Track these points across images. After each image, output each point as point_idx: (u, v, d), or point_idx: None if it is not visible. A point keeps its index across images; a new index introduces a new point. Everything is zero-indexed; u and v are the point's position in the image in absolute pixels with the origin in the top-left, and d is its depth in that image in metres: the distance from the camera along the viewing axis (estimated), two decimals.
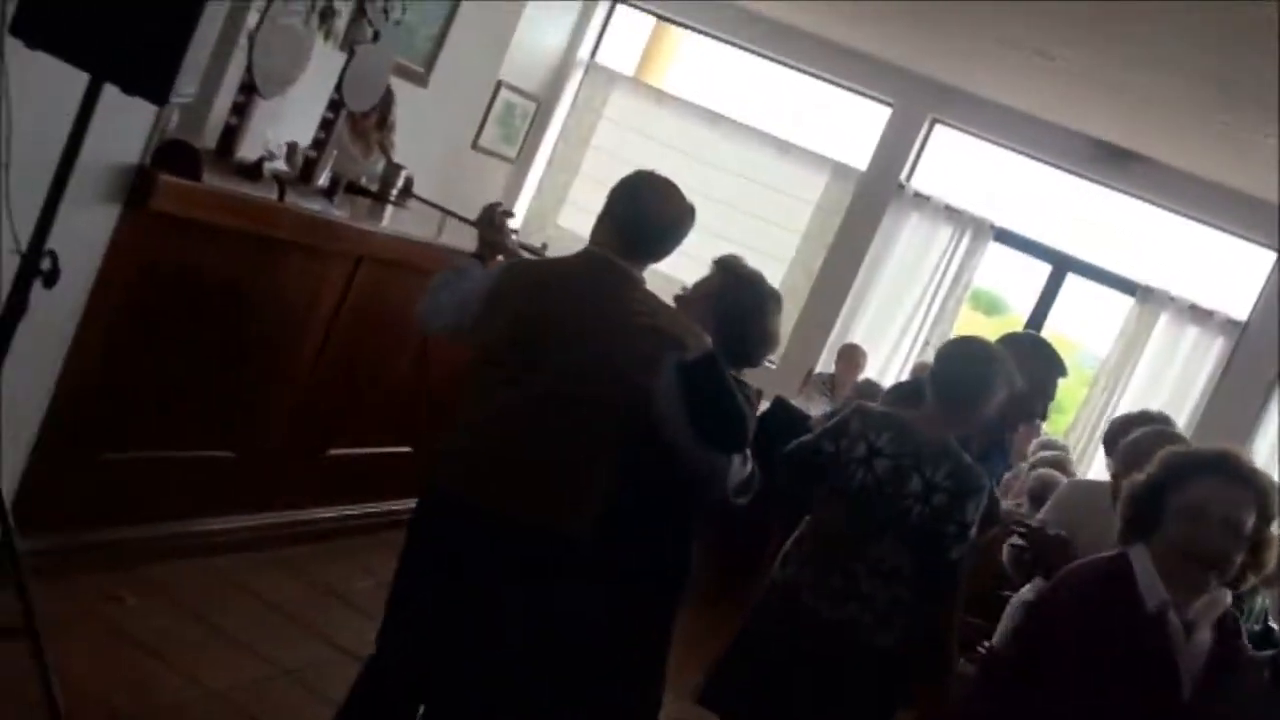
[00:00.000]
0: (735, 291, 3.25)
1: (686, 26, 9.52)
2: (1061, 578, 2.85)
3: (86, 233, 3.36)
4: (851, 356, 7.84)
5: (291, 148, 4.32)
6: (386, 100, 5.05)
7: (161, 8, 2.67)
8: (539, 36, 8.82)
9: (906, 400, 3.62)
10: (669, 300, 3.26)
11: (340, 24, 3.97)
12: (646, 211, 3.09)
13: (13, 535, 2.93)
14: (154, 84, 2.72)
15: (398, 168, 5.33)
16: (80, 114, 2.85)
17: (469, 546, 3.04)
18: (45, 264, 2.89)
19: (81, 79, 2.82)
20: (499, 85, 8.54)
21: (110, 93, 2.81)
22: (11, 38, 2.77)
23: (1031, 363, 3.61)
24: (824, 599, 3.31)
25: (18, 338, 2.89)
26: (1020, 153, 8.50)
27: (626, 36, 9.68)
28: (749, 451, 3.22)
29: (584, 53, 9.41)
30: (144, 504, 4.03)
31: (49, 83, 2.92)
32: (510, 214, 3.45)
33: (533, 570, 3.04)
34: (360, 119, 4.96)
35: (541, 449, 3.04)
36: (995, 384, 3.32)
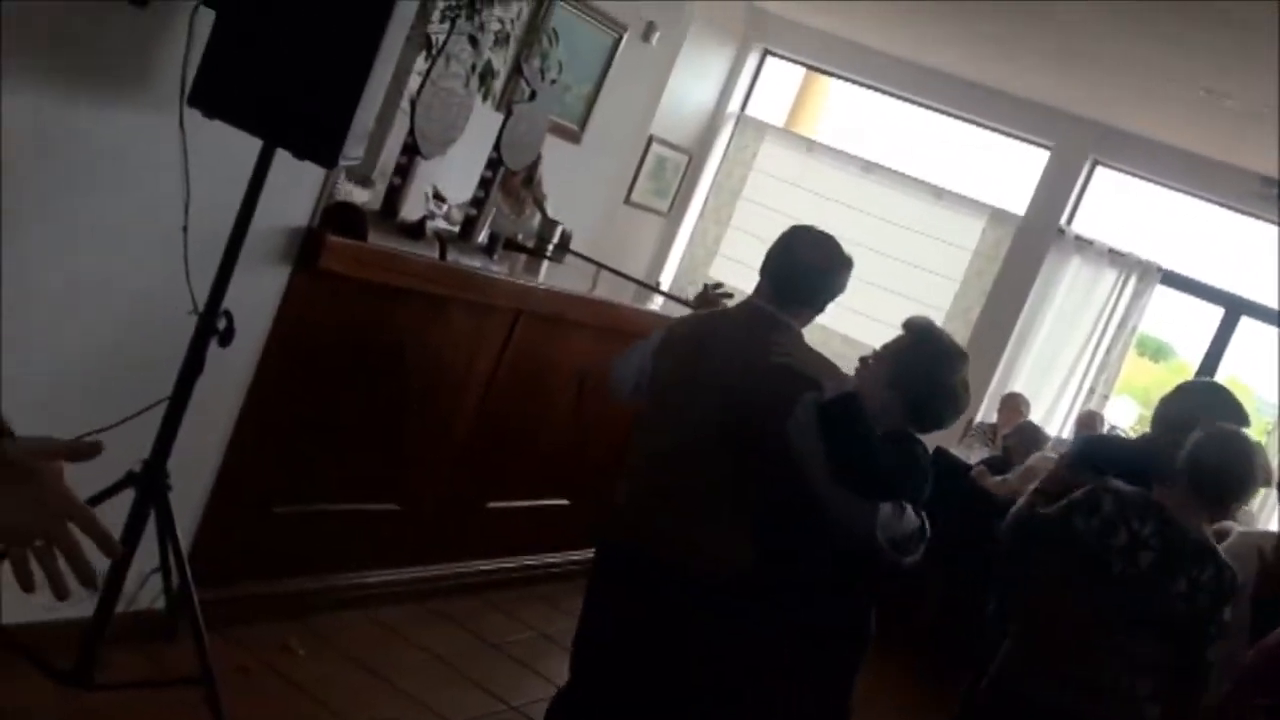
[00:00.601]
0: (916, 350, 3.18)
1: (836, 75, 9.50)
2: (1261, 651, 2.71)
3: (259, 293, 3.48)
4: (1014, 405, 7.65)
5: (435, 194, 4.43)
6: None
7: (330, 76, 2.76)
8: (689, 91, 8.89)
9: (1106, 463, 3.51)
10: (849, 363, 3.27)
11: (498, 85, 4.06)
12: (798, 260, 3.21)
13: (191, 587, 3.03)
14: (323, 148, 2.81)
15: (553, 223, 5.43)
16: (253, 179, 2.96)
17: (636, 595, 3.12)
18: (221, 324, 3.00)
19: (254, 145, 2.94)
20: (650, 140, 8.64)
21: (281, 157, 2.92)
22: (190, 108, 2.90)
23: (1209, 411, 3.47)
24: (1070, 692, 3.15)
25: (194, 395, 3.01)
26: (1187, 193, 8.23)
27: (776, 87, 9.70)
28: (910, 505, 3.14)
29: (734, 105, 9.45)
30: (313, 556, 4.14)
31: (224, 150, 3.04)
32: (729, 294, 3.55)
33: (695, 618, 3.06)
34: (509, 177, 5.07)
35: (686, 494, 3.14)
36: (1257, 482, 3.26)
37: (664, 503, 3.17)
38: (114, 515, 2.99)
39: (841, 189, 9.07)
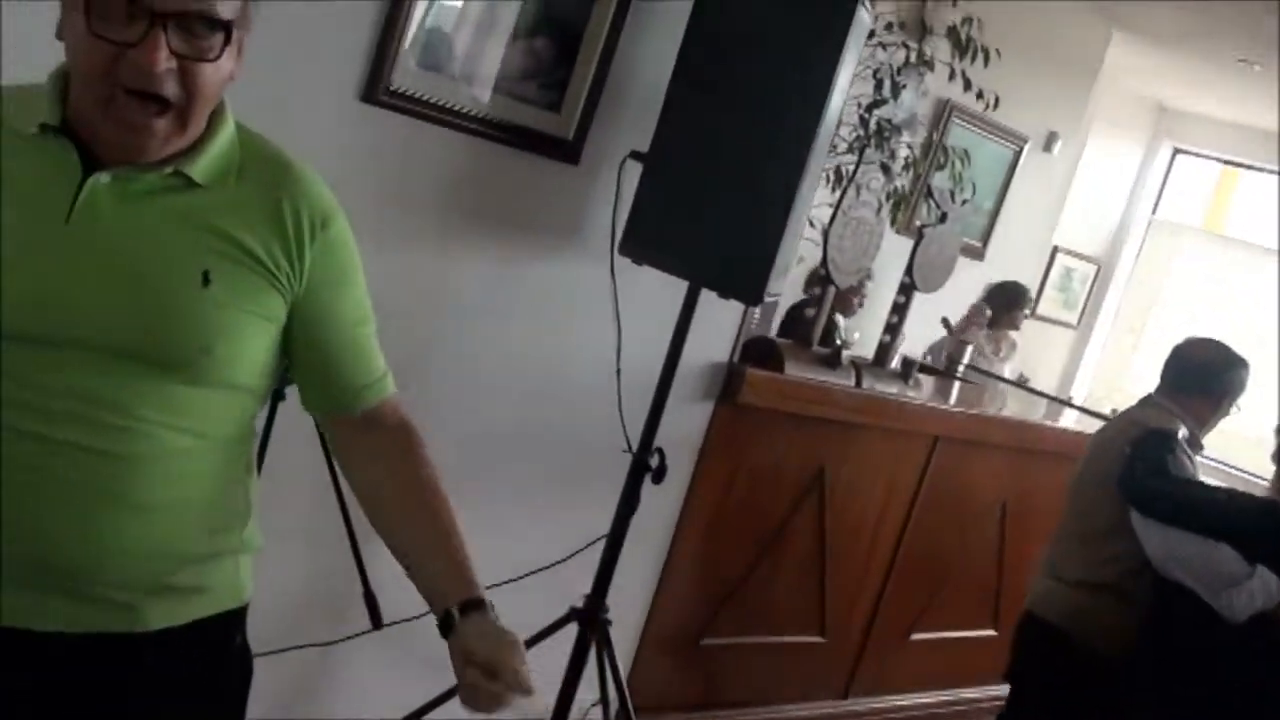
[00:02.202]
0: None
1: (1257, 169, 8.89)
2: None
3: (684, 428, 3.56)
4: None
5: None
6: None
7: (752, 219, 2.83)
8: (1095, 198, 8.56)
9: None
10: None
11: (909, 209, 4.03)
12: (1183, 355, 3.51)
13: (632, 717, 3.09)
14: (748, 287, 2.87)
15: (963, 344, 5.31)
16: (680, 320, 3.06)
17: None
18: (654, 461, 3.10)
19: (678, 286, 3.04)
20: (1055, 251, 8.35)
21: (703, 295, 3.01)
22: (620, 255, 3.05)
23: None
24: None
25: (629, 530, 3.11)
26: None
27: (1190, 186, 9.18)
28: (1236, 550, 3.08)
29: (1144, 208, 9.01)
30: (740, 688, 4.14)
31: (649, 292, 3.18)
32: None
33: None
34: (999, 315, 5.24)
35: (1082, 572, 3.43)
36: None
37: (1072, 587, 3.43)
38: (558, 649, 3.11)
39: (1270, 289, 8.40)
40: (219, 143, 1.50)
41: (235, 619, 1.65)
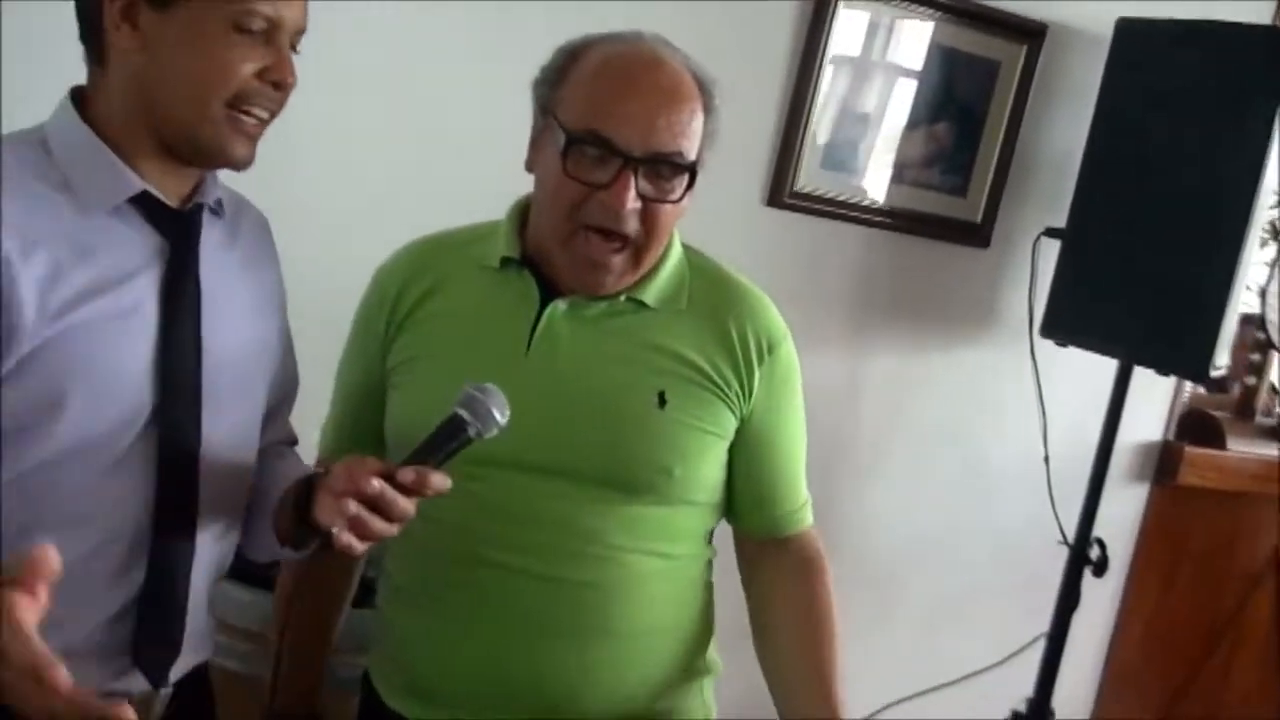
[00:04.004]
0: None
1: None
2: None
3: (1119, 515, 3.33)
4: None
5: None
6: None
7: (1192, 287, 2.62)
8: None
9: None
10: None
11: None
12: None
13: None
14: (1193, 361, 2.66)
15: None
16: (1113, 400, 2.88)
17: None
18: (1094, 552, 2.91)
19: (1101, 365, 2.86)
20: None
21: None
22: (1041, 338, 2.90)
23: None
24: None
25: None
26: None
27: None
28: None
29: None
30: None
31: (1068, 374, 3.00)
32: None
33: None
34: None
35: None
36: None
37: None
38: None
39: None
40: (668, 267, 1.53)
41: None
